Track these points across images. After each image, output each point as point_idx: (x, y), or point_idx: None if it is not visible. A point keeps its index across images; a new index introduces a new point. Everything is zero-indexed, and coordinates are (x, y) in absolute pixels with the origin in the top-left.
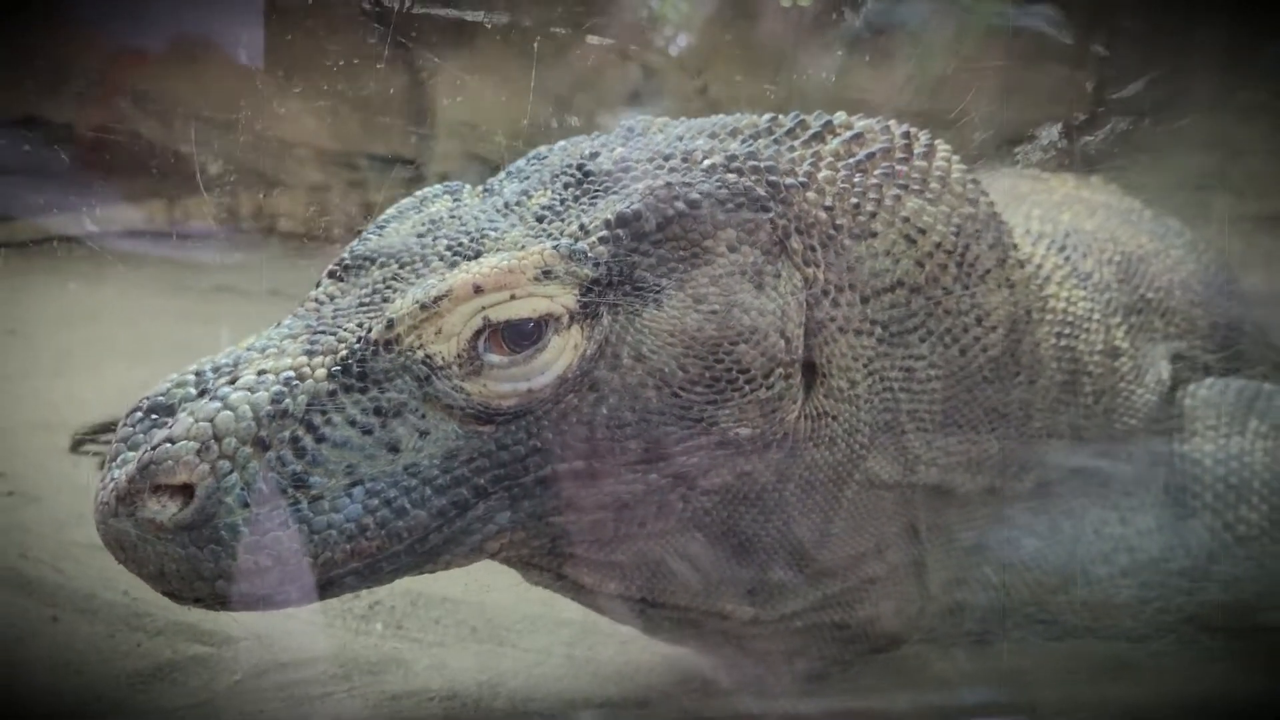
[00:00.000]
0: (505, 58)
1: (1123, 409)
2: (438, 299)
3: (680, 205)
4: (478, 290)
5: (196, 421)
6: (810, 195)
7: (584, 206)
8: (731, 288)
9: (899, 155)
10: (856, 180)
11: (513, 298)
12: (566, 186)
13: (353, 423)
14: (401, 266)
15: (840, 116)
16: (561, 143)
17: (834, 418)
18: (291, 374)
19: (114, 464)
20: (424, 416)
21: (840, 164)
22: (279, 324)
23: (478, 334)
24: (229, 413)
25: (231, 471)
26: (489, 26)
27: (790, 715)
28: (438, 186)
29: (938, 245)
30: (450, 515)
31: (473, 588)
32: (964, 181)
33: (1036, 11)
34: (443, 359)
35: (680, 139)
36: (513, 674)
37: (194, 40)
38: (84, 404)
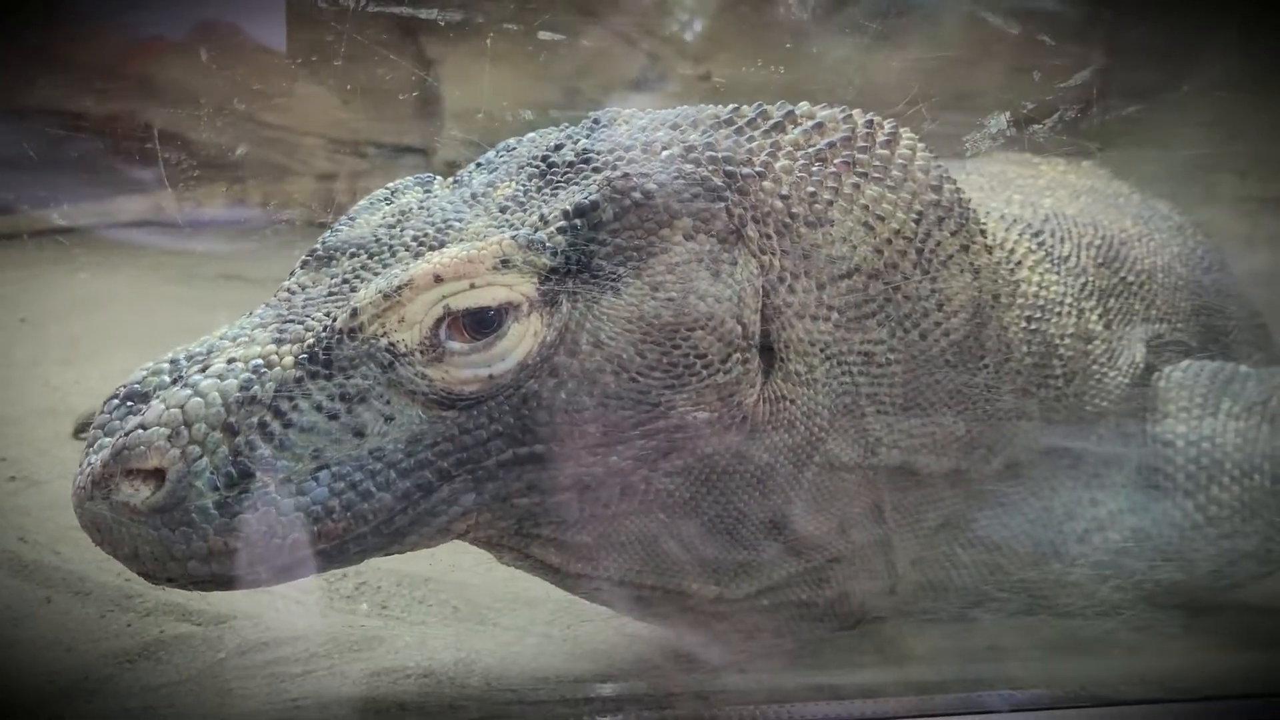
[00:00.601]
0: (512, 45)
1: (1094, 392)
2: (399, 288)
3: (637, 195)
4: (438, 279)
5: (168, 408)
6: (766, 184)
7: (546, 197)
8: (688, 275)
9: (860, 144)
10: (815, 169)
11: (472, 286)
12: (530, 178)
13: (319, 408)
14: (370, 257)
15: (803, 106)
16: (531, 134)
17: (792, 401)
18: (260, 362)
19: (92, 450)
20: (389, 402)
21: (799, 153)
22: (251, 313)
23: (439, 322)
24: (199, 399)
25: (201, 456)
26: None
27: (766, 691)
28: (409, 178)
29: (897, 232)
30: (415, 498)
31: (456, 568)
32: (927, 169)
33: None
34: (406, 346)
35: (643, 130)
36: (489, 652)
37: (203, 30)
38: (90, 391)
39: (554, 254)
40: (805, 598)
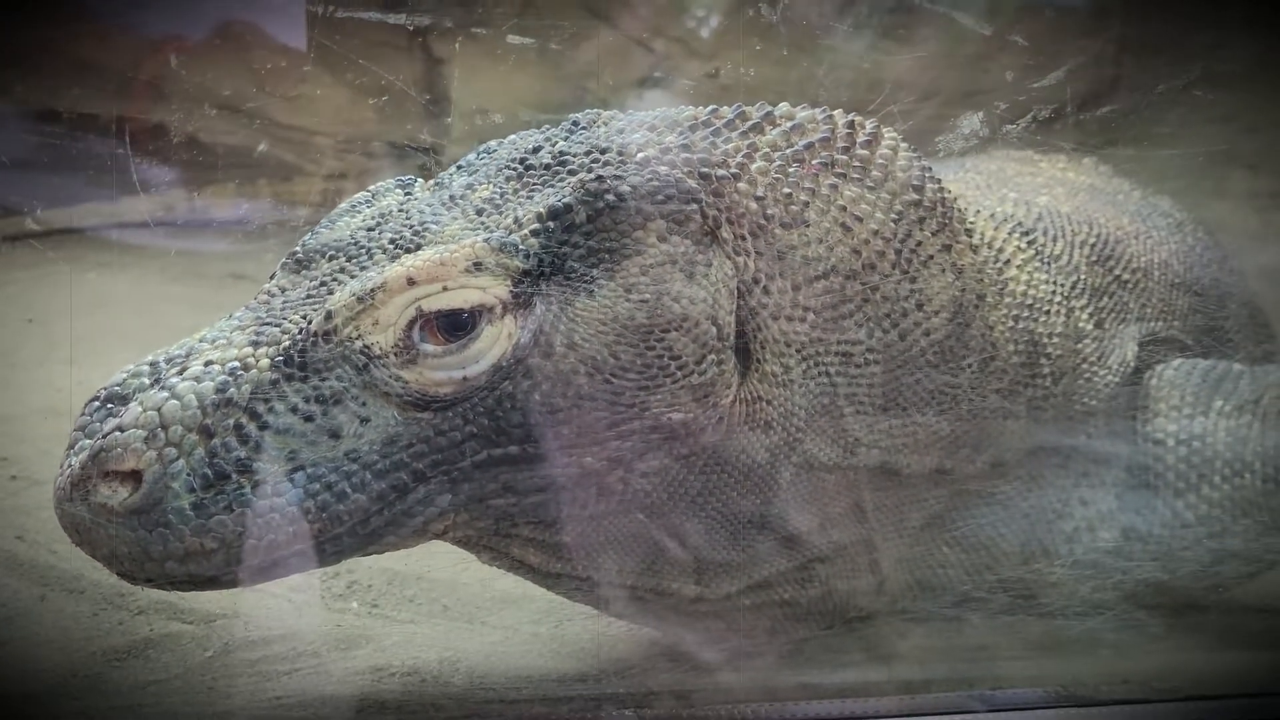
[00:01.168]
0: (520, 42)
1: (1083, 391)
2: (373, 291)
3: (610, 198)
4: (411, 282)
5: (145, 410)
6: (741, 186)
7: (522, 200)
8: (662, 277)
9: (840, 145)
10: (791, 170)
11: (445, 289)
12: (508, 180)
13: (294, 410)
14: (349, 260)
15: (783, 107)
16: (512, 136)
17: (769, 402)
18: (237, 364)
19: (72, 451)
20: (365, 404)
21: (776, 154)
22: (230, 315)
23: (412, 324)
24: (175, 402)
25: (178, 458)
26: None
27: (750, 689)
28: (390, 181)
29: (875, 232)
30: (390, 499)
31: (447, 567)
32: (909, 168)
33: None
34: (380, 349)
35: (620, 133)
36: (476, 651)
37: (214, 31)
38: (92, 390)
39: (527, 256)
40: (789, 597)
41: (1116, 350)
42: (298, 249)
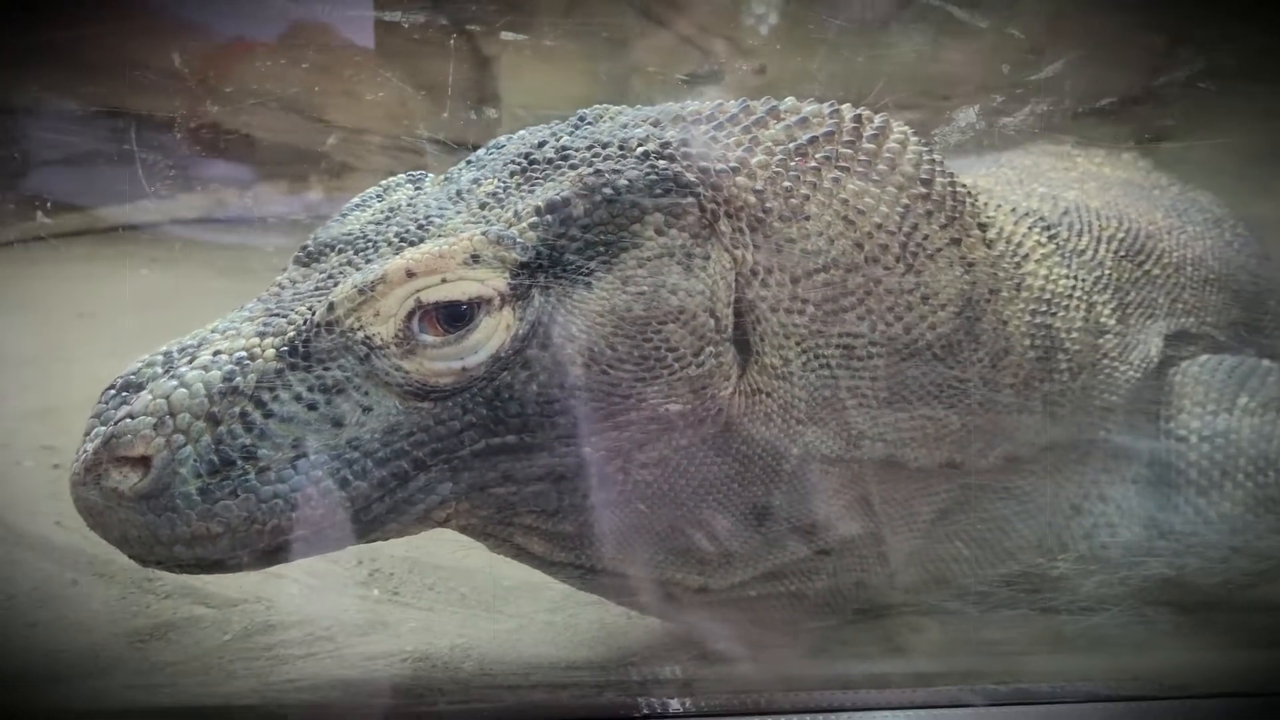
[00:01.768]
0: (566, 40)
1: (1103, 386)
2: (374, 283)
3: (608, 191)
4: (410, 275)
5: (154, 398)
6: (740, 180)
7: (524, 194)
8: (659, 269)
9: (845, 139)
10: (793, 164)
11: (444, 281)
12: (512, 175)
13: (298, 399)
14: (356, 253)
15: (789, 101)
16: (521, 132)
17: (768, 394)
18: (244, 354)
19: (87, 437)
20: (367, 394)
21: (778, 148)
22: (243, 307)
23: (411, 315)
24: (184, 390)
25: (186, 444)
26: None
27: (759, 679)
28: (401, 175)
29: (879, 226)
30: (391, 486)
31: (465, 556)
32: (918, 162)
33: None
34: (381, 339)
35: (624, 127)
36: (489, 638)
37: (268, 29)
38: None
39: (524, 249)
40: (795, 589)
41: (1140, 346)
42: (309, 243)
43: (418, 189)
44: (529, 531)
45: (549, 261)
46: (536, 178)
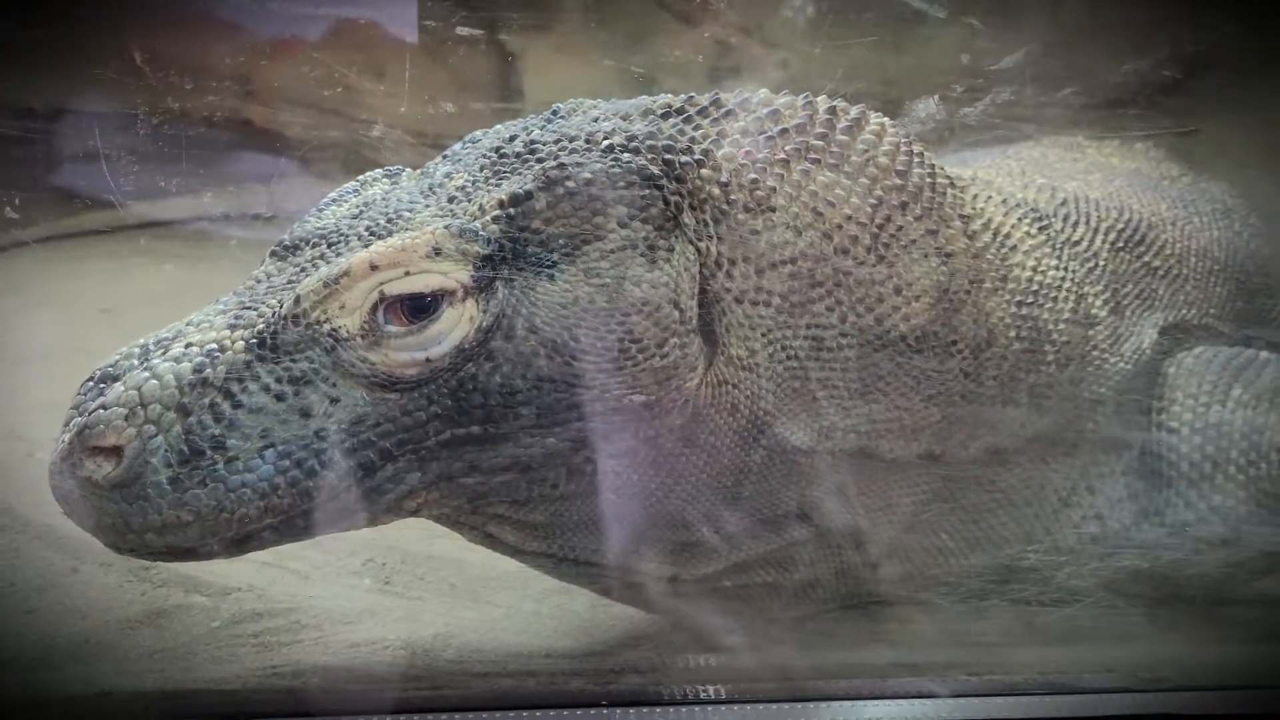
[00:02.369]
0: (589, 37)
1: (1092, 378)
2: (338, 277)
3: (571, 185)
4: (374, 268)
5: (126, 389)
6: (705, 172)
7: (491, 187)
8: (622, 261)
9: (818, 131)
10: (760, 156)
11: (407, 274)
12: (482, 169)
13: (266, 390)
14: (329, 247)
15: (762, 94)
16: (498, 126)
17: (735, 385)
18: (214, 346)
19: (65, 428)
20: (335, 385)
21: (746, 140)
22: (218, 300)
23: (376, 306)
24: (155, 381)
25: (157, 435)
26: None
27: (731, 668)
28: (378, 170)
29: (849, 218)
30: (358, 476)
31: (456, 547)
32: (894, 154)
33: None
34: (347, 331)
35: (594, 120)
36: (473, 627)
37: (298, 28)
38: None
39: (487, 242)
40: (772, 580)
41: (1133, 337)
42: (286, 237)
43: (394, 183)
44: (501, 521)
45: (512, 254)
46: (505, 171)
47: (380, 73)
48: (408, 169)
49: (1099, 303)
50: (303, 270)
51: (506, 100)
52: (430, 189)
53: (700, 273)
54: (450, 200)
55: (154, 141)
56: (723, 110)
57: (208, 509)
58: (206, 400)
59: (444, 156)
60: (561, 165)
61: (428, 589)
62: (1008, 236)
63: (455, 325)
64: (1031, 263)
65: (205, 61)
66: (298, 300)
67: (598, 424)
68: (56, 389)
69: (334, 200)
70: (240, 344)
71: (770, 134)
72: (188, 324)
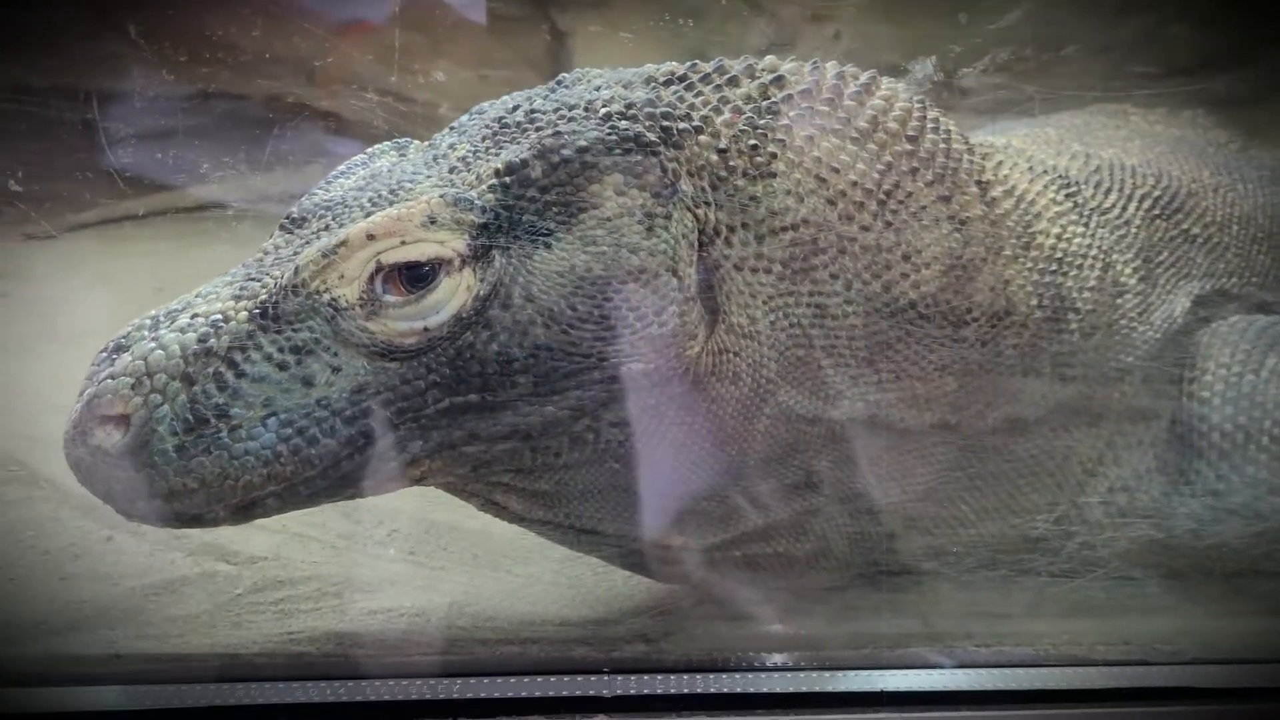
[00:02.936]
0: (641, 13)
1: (1119, 346)
2: (336, 246)
3: (566, 153)
4: (370, 238)
5: (133, 359)
6: (703, 139)
7: (491, 157)
8: (619, 229)
9: (824, 96)
10: (762, 122)
11: (403, 243)
12: (483, 139)
13: (269, 359)
14: (334, 219)
15: (768, 60)
16: (505, 97)
17: (736, 353)
18: (219, 316)
19: (79, 398)
20: (336, 354)
21: (748, 106)
22: (228, 272)
23: (374, 276)
24: (161, 351)
25: (163, 404)
26: None
27: (732, 640)
28: (387, 143)
29: (854, 184)
30: (360, 444)
31: (480, 518)
32: (905, 120)
33: None
34: (346, 301)
35: (596, 89)
36: (489, 596)
37: (356, 11)
38: None
39: (483, 211)
40: (783, 550)
41: (1164, 305)
42: (294, 209)
43: (401, 155)
44: (506, 489)
45: (509, 223)
46: (505, 141)
47: (438, 53)
48: (416, 141)
49: (1128, 271)
50: (308, 243)
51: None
52: (435, 160)
53: (699, 240)
54: (451, 171)
55: (213, 124)
56: (726, 77)
57: (212, 476)
58: (210, 370)
59: (451, 128)
60: (558, 133)
61: (450, 559)
62: (1032, 204)
63: (453, 294)
64: (1056, 230)
65: (266, 44)
66: (297, 271)
67: (596, 392)
68: None
69: (342, 173)
70: (244, 314)
71: (774, 100)
72: (196, 295)
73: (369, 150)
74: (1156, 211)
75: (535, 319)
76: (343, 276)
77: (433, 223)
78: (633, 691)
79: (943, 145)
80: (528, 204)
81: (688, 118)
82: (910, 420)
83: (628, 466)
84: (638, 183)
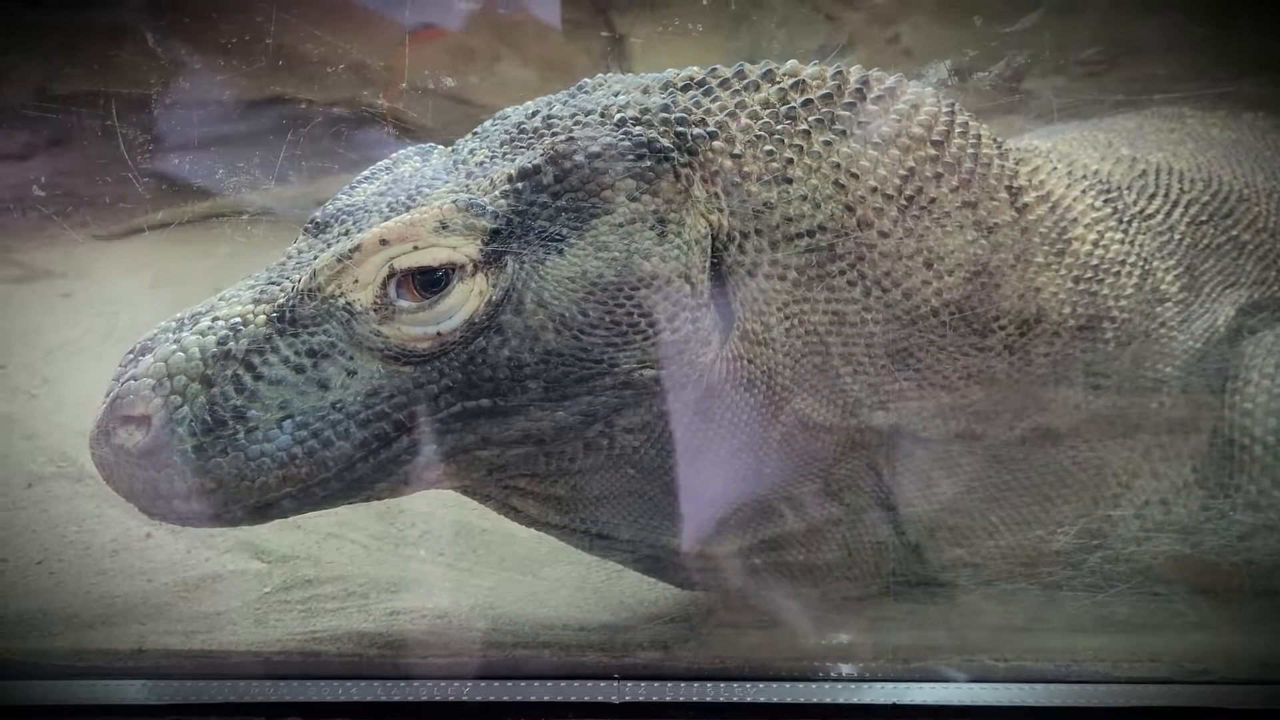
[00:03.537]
0: (698, 18)
1: (1157, 356)
2: (351, 251)
3: (579, 158)
4: (384, 243)
5: (155, 361)
6: (717, 144)
7: (506, 163)
8: (631, 235)
9: (845, 101)
10: (779, 127)
11: (416, 248)
12: (501, 144)
13: (285, 362)
14: (355, 223)
15: (790, 64)
16: (528, 103)
17: (750, 360)
18: (238, 320)
19: (105, 398)
20: (351, 358)
21: (765, 112)
22: (250, 275)
23: (387, 281)
24: (181, 354)
25: (182, 405)
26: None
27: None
28: (411, 149)
29: (874, 189)
30: (373, 447)
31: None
32: (930, 125)
33: None
34: (361, 305)
35: (614, 95)
36: (513, 599)
37: (413, 16)
38: None
39: (495, 216)
40: (803, 559)
41: (1206, 315)
42: (318, 214)
43: (424, 161)
44: (523, 494)
45: (521, 228)
46: (522, 146)
47: (493, 57)
48: (439, 147)
49: (1169, 278)
50: (328, 246)
51: None
52: (455, 165)
53: (713, 246)
54: (469, 176)
55: (276, 130)
56: (745, 82)
57: (229, 477)
58: (229, 372)
59: (474, 133)
60: (571, 139)
61: (479, 561)
62: (1068, 210)
63: (465, 300)
64: (1093, 236)
65: (330, 51)
66: (313, 275)
67: (607, 398)
68: None
69: (366, 178)
70: (262, 318)
71: (793, 105)
72: (219, 298)
73: (393, 155)
74: (1204, 217)
75: (547, 324)
76: (357, 281)
77: (445, 228)
78: (641, 698)
79: (970, 150)
80: (540, 209)
81: (703, 123)
82: (933, 430)
83: (643, 472)
84: (650, 188)
